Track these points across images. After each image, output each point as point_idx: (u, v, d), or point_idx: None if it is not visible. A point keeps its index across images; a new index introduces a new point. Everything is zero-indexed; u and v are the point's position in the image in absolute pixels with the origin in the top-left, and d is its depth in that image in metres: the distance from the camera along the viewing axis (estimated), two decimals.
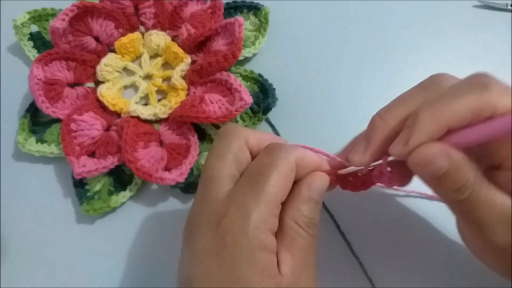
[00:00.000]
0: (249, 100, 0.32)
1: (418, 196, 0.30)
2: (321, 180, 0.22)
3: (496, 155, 0.21)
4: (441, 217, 0.29)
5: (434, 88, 0.21)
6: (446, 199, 0.21)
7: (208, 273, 0.20)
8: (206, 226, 0.20)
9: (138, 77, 0.36)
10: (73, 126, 0.32)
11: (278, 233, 0.21)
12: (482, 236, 0.21)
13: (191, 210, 0.22)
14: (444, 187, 0.20)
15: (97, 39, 0.36)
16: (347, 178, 0.24)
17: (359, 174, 0.24)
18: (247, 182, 0.21)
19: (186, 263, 0.21)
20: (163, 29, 0.37)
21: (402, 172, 0.23)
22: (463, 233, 0.24)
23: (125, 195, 0.31)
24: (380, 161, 0.23)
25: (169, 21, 0.38)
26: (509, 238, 0.20)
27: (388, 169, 0.22)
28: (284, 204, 0.21)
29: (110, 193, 0.31)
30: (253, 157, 0.23)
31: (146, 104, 0.35)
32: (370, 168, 0.24)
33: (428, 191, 0.26)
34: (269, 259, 0.20)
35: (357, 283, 0.28)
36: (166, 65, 0.37)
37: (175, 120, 0.32)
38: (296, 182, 0.22)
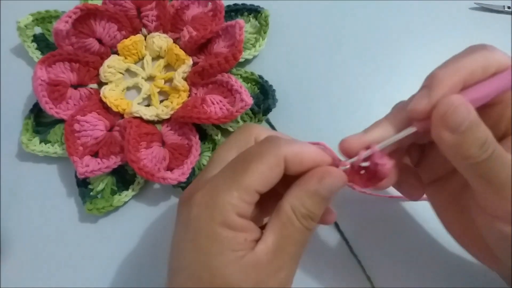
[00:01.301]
0: (250, 101, 0.32)
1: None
2: (336, 178, 0.21)
3: (499, 126, 0.22)
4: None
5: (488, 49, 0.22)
6: (468, 163, 0.20)
7: (178, 242, 0.21)
8: (187, 199, 0.21)
9: (141, 78, 0.36)
10: (76, 126, 0.32)
11: (273, 217, 0.21)
12: (498, 200, 0.20)
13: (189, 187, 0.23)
14: (467, 145, 0.20)
15: (100, 41, 0.37)
16: (359, 171, 0.23)
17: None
18: (229, 166, 0.21)
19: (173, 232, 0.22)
20: (165, 32, 0.38)
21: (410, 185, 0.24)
22: (451, 220, 0.25)
23: (127, 194, 0.32)
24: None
25: (171, 24, 0.38)
26: None
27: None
28: (288, 189, 0.21)
29: (113, 193, 0.32)
30: (291, 166, 0.22)
31: (148, 105, 0.35)
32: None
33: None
34: (232, 234, 0.20)
35: (356, 282, 0.28)
36: (168, 66, 0.37)
37: (177, 121, 0.33)
38: (305, 173, 0.21)
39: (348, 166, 0.22)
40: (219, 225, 0.20)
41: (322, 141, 0.23)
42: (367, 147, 0.22)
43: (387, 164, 0.21)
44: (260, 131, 0.23)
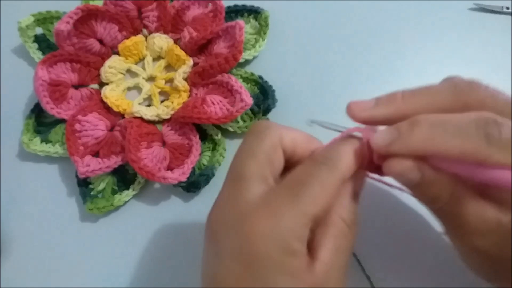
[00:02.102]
0: (250, 101, 0.32)
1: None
2: (364, 175, 0.22)
3: None
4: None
5: (467, 94, 0.20)
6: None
7: (233, 275, 0.19)
8: (233, 226, 0.19)
9: (142, 78, 0.36)
10: (77, 126, 0.32)
11: (323, 232, 0.20)
12: (459, 241, 0.21)
13: (216, 207, 0.21)
14: (418, 194, 0.21)
15: (101, 41, 0.37)
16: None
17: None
18: (285, 189, 0.20)
19: (212, 262, 0.20)
20: (165, 32, 0.38)
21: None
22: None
23: (128, 194, 0.32)
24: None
25: (172, 24, 0.38)
26: (486, 245, 0.20)
27: None
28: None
29: (114, 192, 0.32)
30: (286, 157, 0.22)
31: (149, 105, 0.35)
32: None
33: None
34: (297, 262, 0.19)
35: (356, 282, 0.28)
36: (169, 67, 0.37)
37: (178, 121, 0.33)
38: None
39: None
40: (286, 254, 0.19)
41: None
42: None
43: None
44: (282, 131, 0.22)
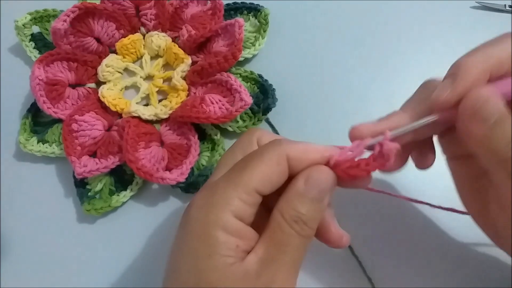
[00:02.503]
0: (249, 100, 0.32)
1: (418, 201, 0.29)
2: (321, 174, 0.20)
3: None
4: (441, 216, 0.29)
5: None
6: (495, 157, 0.19)
7: (174, 244, 0.21)
8: (187, 207, 0.21)
9: (139, 77, 0.36)
10: (74, 126, 0.32)
11: (266, 226, 0.20)
12: None
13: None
14: (496, 139, 0.19)
15: (98, 40, 0.37)
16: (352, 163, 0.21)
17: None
18: (231, 168, 0.21)
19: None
20: (163, 30, 0.38)
21: (421, 152, 0.23)
22: (468, 197, 0.24)
23: (126, 194, 0.31)
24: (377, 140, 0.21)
25: (170, 22, 0.38)
26: None
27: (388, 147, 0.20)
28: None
29: (111, 193, 0.32)
30: (292, 166, 0.21)
31: (147, 105, 0.35)
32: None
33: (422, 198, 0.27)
34: (224, 237, 0.19)
35: (357, 283, 0.28)
36: (167, 66, 0.37)
37: (176, 121, 0.33)
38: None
39: (335, 158, 0.21)
40: (213, 225, 0.19)
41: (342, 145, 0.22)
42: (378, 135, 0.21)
43: (391, 145, 0.20)
44: (264, 135, 0.23)
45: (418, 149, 0.24)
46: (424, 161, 0.24)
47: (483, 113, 0.19)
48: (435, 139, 0.25)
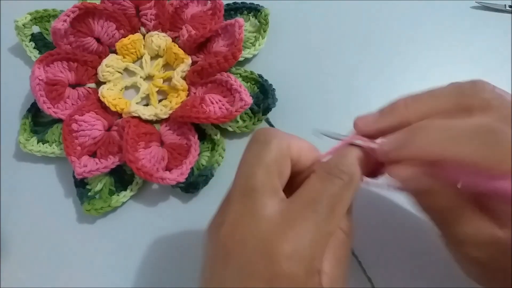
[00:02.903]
0: (249, 100, 0.32)
1: None
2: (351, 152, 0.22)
3: None
4: None
5: (471, 96, 0.20)
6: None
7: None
8: (252, 244, 0.19)
9: (139, 77, 0.36)
10: (74, 126, 0.32)
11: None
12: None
13: (227, 220, 0.20)
14: (417, 201, 0.21)
15: (98, 40, 0.37)
16: None
17: None
18: (304, 205, 0.19)
19: (222, 279, 0.19)
20: (164, 30, 0.38)
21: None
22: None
23: (126, 194, 0.31)
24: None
25: (170, 22, 0.38)
26: (481, 256, 0.20)
27: None
28: None
29: (111, 193, 0.31)
30: (292, 165, 0.21)
31: (147, 105, 0.35)
32: None
33: None
34: (314, 282, 0.19)
35: (356, 283, 0.28)
36: (167, 66, 0.37)
37: (176, 121, 0.33)
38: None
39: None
40: (310, 274, 0.19)
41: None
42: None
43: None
44: (290, 140, 0.21)
45: None
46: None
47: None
48: None
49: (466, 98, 0.20)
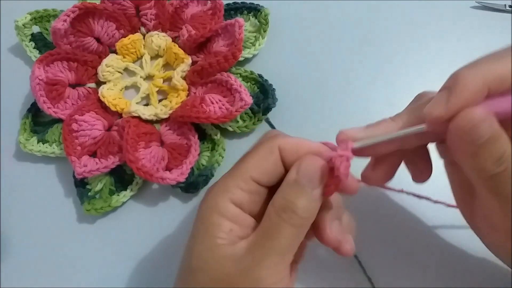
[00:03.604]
0: (249, 100, 0.32)
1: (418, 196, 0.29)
2: (310, 162, 0.20)
3: None
4: (441, 216, 0.29)
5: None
6: (480, 174, 0.20)
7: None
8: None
9: (139, 77, 0.36)
10: (74, 126, 0.32)
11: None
12: (501, 216, 0.20)
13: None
14: (482, 157, 0.19)
15: (98, 40, 0.37)
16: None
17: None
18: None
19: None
20: (164, 30, 0.38)
21: (418, 165, 0.23)
22: (462, 201, 0.24)
23: (126, 194, 0.31)
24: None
25: (170, 22, 0.38)
26: None
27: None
28: None
29: (111, 193, 0.31)
30: (291, 161, 0.21)
31: (147, 105, 0.35)
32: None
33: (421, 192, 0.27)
34: (218, 220, 0.20)
35: (357, 283, 0.28)
36: (167, 65, 0.37)
37: (176, 120, 0.33)
38: None
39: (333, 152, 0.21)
40: (210, 210, 0.20)
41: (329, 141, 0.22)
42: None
43: (341, 169, 0.20)
44: (285, 144, 0.22)
45: (413, 162, 0.24)
46: (420, 175, 0.25)
47: (473, 135, 0.19)
48: (433, 148, 0.25)
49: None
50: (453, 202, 0.26)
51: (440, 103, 0.19)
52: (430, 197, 0.26)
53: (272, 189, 0.22)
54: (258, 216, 0.21)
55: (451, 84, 0.19)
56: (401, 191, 0.26)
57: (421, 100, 0.23)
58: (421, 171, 0.24)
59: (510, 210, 0.20)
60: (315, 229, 0.22)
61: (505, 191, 0.19)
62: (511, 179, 0.19)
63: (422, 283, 0.28)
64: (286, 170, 0.21)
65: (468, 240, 0.29)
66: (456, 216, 0.26)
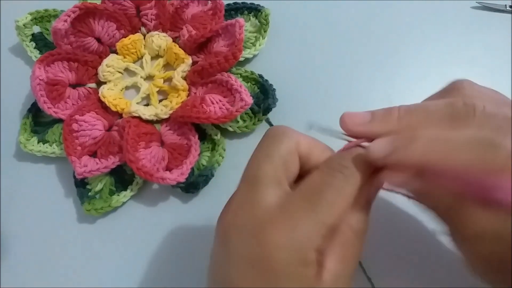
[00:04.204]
0: (250, 100, 0.32)
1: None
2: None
3: None
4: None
5: (464, 120, 0.20)
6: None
7: (246, 281, 0.19)
8: (248, 230, 0.19)
9: (140, 77, 0.36)
10: (74, 126, 0.32)
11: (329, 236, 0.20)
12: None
13: (230, 210, 0.21)
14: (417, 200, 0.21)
15: (99, 40, 0.37)
16: None
17: None
18: (301, 196, 0.20)
19: (223, 265, 0.20)
20: (164, 30, 0.38)
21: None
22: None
23: (126, 194, 0.31)
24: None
25: (170, 23, 0.38)
26: (485, 250, 0.20)
27: None
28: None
29: (111, 193, 0.31)
30: (301, 163, 0.22)
31: (147, 105, 0.35)
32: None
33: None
34: (310, 272, 0.19)
35: (357, 283, 0.28)
36: (167, 66, 0.37)
37: (176, 121, 0.33)
38: None
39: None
40: (298, 265, 0.19)
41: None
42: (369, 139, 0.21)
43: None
44: (299, 137, 0.22)
45: None
46: None
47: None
48: None
49: (459, 121, 0.20)
50: None
51: (386, 148, 0.20)
52: None
53: None
54: None
55: (405, 142, 0.20)
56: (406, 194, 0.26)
57: (456, 91, 0.22)
58: None
59: (459, 240, 0.21)
60: None
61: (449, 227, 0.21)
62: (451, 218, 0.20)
63: (422, 284, 0.28)
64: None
65: None
66: None
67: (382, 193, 0.30)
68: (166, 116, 0.33)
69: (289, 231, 0.19)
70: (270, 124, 0.34)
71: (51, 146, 0.33)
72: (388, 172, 0.20)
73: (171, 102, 0.34)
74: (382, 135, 0.21)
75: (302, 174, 0.22)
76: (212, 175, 0.31)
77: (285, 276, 0.18)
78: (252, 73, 0.35)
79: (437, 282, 0.28)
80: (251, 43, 0.37)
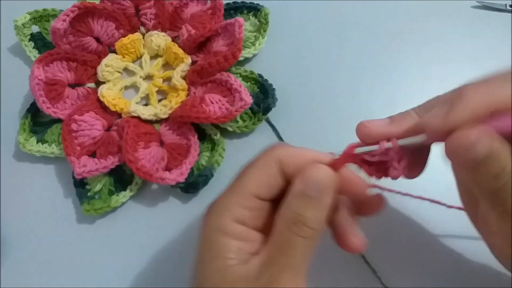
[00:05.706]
0: (249, 100, 0.32)
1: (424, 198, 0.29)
2: (317, 172, 0.20)
3: None
4: (448, 217, 0.29)
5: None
6: (480, 188, 0.20)
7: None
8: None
9: (139, 77, 0.36)
10: (74, 126, 0.32)
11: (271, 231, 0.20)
12: (501, 223, 0.20)
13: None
14: (481, 173, 0.19)
15: (98, 39, 0.37)
16: (364, 158, 0.22)
17: (373, 157, 0.22)
18: (233, 180, 0.21)
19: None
20: (163, 30, 0.37)
21: (412, 160, 0.22)
22: (467, 203, 0.24)
23: (125, 195, 0.31)
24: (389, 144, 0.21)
25: (170, 22, 0.38)
26: None
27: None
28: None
29: (111, 193, 0.31)
30: (290, 173, 0.21)
31: (146, 105, 0.35)
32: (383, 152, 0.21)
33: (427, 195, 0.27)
34: (225, 240, 0.20)
35: (364, 283, 0.28)
36: (167, 65, 0.37)
37: (176, 120, 0.32)
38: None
39: (337, 157, 0.21)
40: (214, 231, 0.20)
41: (310, 145, 0.22)
42: (388, 139, 0.21)
43: (398, 170, 0.21)
44: (285, 157, 0.21)
45: (410, 155, 0.24)
46: (411, 171, 0.23)
47: (469, 155, 0.18)
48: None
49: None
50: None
51: (439, 116, 0.19)
52: (441, 201, 0.26)
53: (275, 201, 0.21)
54: (265, 229, 0.21)
55: (455, 99, 0.19)
56: (420, 197, 0.26)
57: (461, 96, 0.21)
58: (414, 167, 0.23)
59: (509, 221, 0.19)
60: (336, 236, 0.22)
61: (504, 205, 0.19)
62: (510, 194, 0.19)
63: (430, 283, 0.28)
64: (288, 181, 0.21)
65: (473, 240, 0.28)
66: (465, 218, 0.26)
67: (390, 195, 0.30)
68: (165, 116, 0.33)
69: (214, 203, 0.21)
70: (270, 123, 0.34)
71: (50, 146, 0.33)
72: (453, 136, 0.18)
73: (170, 102, 0.34)
74: (403, 135, 0.21)
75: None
76: (212, 175, 0.31)
77: (207, 241, 0.20)
78: (251, 72, 0.35)
79: (445, 280, 0.28)
80: (250, 42, 0.37)
